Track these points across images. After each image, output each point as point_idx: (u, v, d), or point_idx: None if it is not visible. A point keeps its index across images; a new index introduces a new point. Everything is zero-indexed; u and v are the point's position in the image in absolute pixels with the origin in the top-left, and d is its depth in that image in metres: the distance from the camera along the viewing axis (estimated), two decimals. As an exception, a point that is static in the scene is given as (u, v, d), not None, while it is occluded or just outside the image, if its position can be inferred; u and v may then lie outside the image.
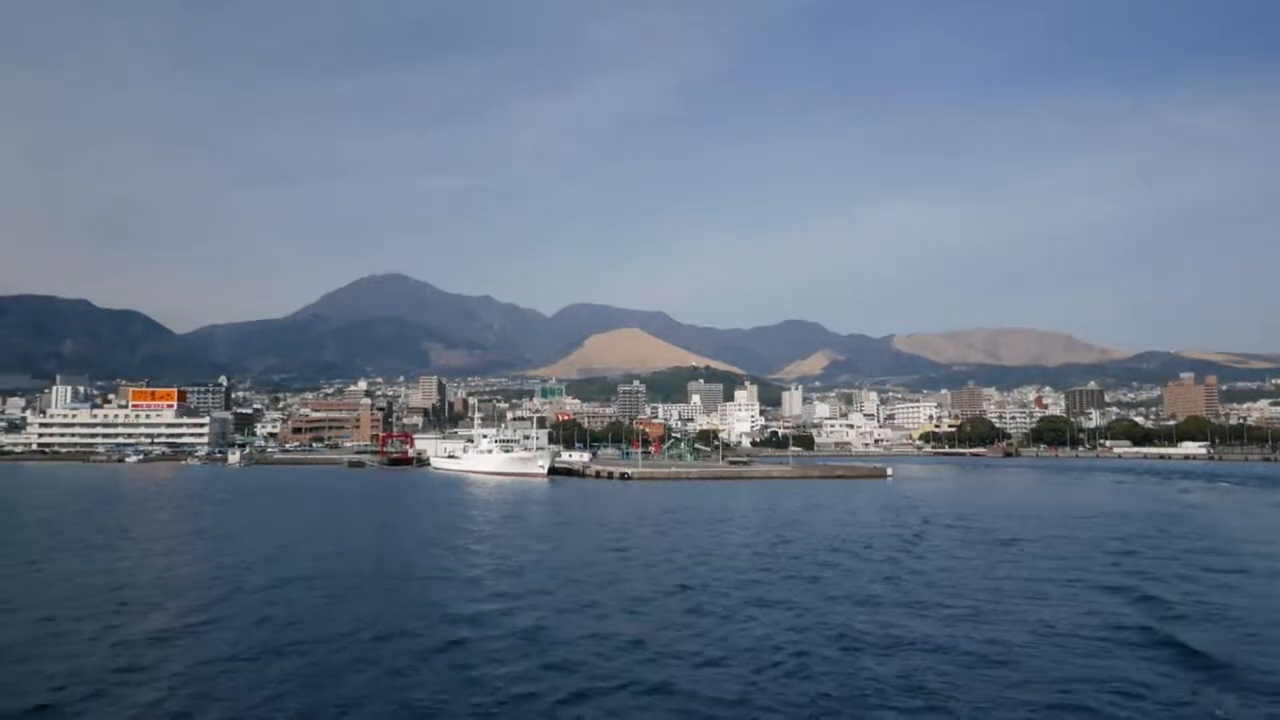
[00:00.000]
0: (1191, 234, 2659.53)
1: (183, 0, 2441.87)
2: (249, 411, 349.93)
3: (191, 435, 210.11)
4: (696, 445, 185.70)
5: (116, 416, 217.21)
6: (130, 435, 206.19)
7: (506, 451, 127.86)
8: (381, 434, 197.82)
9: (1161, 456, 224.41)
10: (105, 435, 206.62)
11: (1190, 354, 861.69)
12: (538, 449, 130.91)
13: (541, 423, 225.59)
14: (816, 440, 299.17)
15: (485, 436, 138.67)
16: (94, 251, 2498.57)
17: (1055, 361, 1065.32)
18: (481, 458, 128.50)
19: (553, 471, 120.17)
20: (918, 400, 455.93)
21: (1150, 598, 27.56)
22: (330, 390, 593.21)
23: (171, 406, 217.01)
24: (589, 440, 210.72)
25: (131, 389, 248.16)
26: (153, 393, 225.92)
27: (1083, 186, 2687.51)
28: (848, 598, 27.80)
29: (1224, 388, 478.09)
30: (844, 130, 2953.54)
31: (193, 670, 18.75)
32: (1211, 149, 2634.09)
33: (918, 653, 20.46)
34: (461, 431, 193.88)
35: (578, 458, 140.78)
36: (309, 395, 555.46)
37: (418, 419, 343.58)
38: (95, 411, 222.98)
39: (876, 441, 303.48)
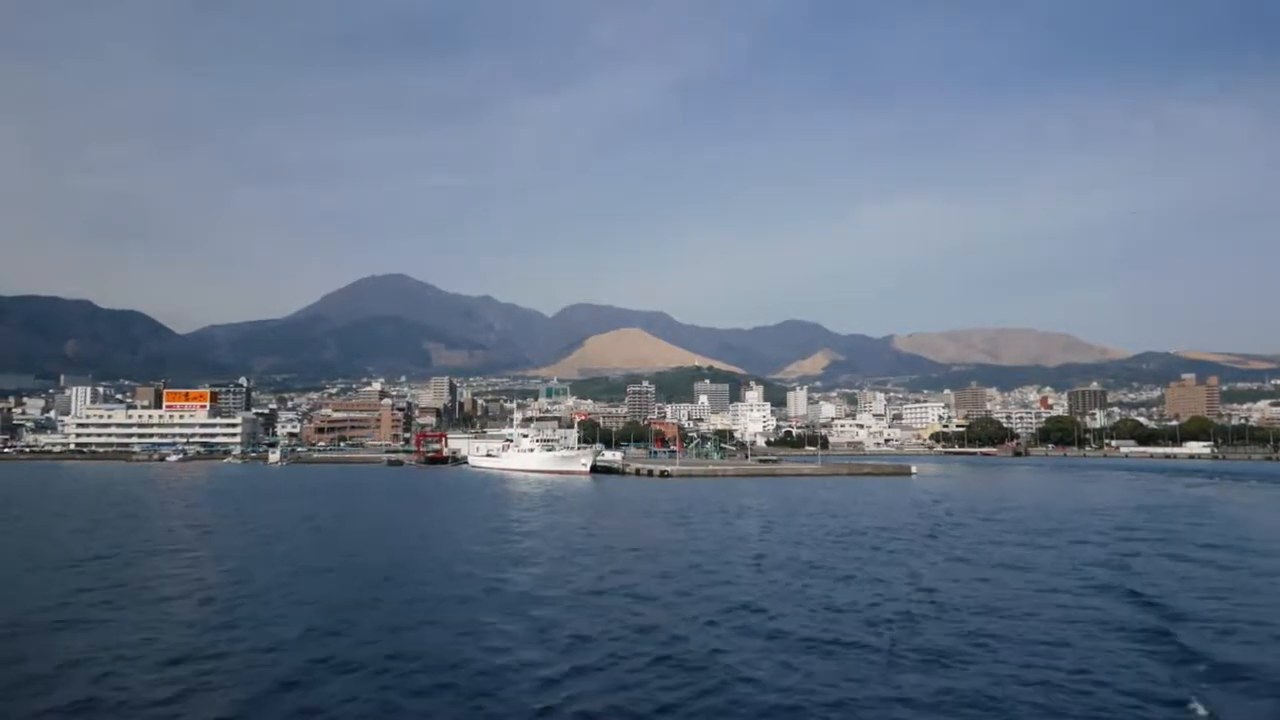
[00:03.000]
0: (1192, 233, 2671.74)
1: None
2: (265, 411, 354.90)
3: (224, 435, 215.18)
4: (722, 445, 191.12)
5: (151, 417, 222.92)
6: (164, 435, 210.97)
7: (549, 450, 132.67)
8: (417, 433, 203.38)
9: (1167, 456, 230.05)
10: (140, 435, 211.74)
11: (1190, 354, 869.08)
12: (579, 448, 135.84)
13: (560, 423, 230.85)
14: (830, 440, 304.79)
15: (526, 436, 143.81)
16: (95, 252, 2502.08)
17: (1055, 361, 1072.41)
18: (523, 456, 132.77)
19: (593, 470, 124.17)
20: (919, 400, 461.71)
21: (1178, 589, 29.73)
22: (334, 390, 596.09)
23: (204, 407, 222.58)
24: (613, 440, 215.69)
25: (166, 390, 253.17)
26: (186, 394, 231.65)
27: (1083, 185, 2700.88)
28: (936, 574, 33.09)
29: (1224, 388, 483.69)
30: (844, 129, 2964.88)
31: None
32: (1213, 147, 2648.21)
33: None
34: (492, 431, 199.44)
35: (614, 456, 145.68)
36: (313, 395, 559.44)
37: (431, 419, 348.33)
38: (130, 412, 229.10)
39: (887, 441, 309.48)
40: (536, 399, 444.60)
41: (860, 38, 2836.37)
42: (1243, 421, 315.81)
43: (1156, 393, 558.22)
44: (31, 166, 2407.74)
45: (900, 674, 18.72)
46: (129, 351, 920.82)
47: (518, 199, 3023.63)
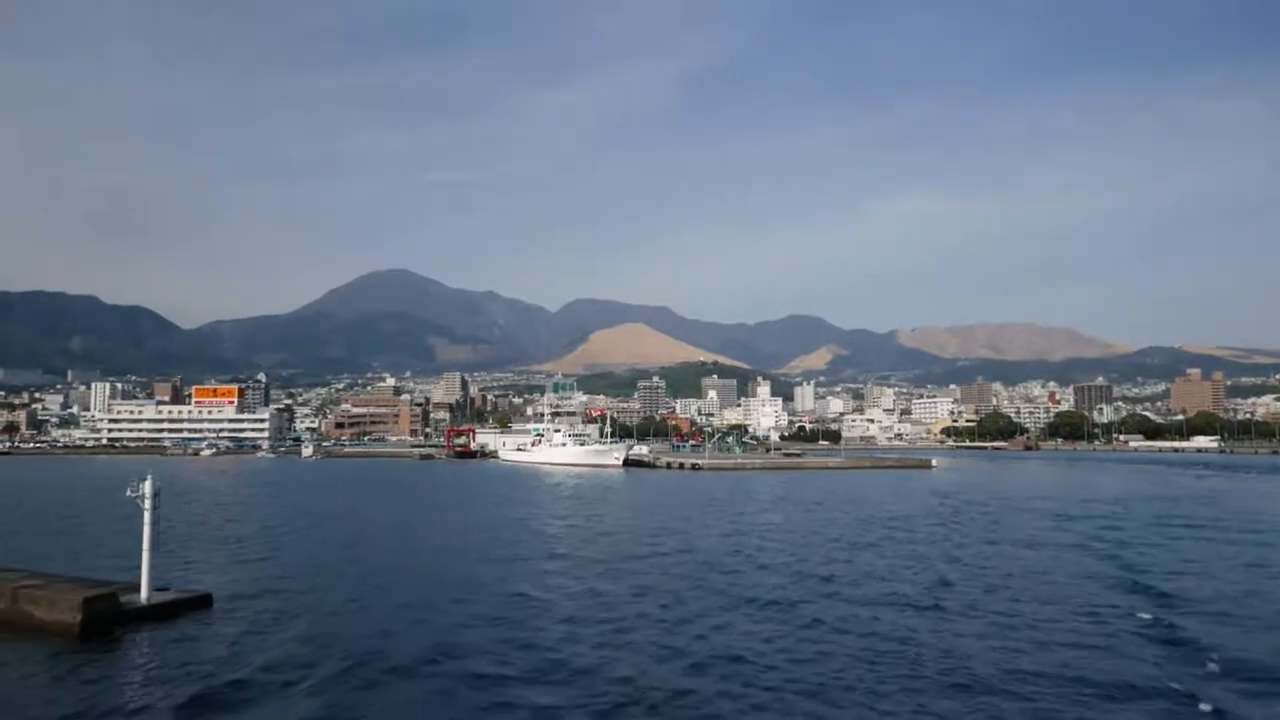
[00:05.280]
0: (1195, 228, 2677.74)
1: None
2: (280, 407, 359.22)
3: (253, 430, 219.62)
4: (743, 439, 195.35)
5: (181, 413, 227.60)
6: (194, 430, 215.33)
7: (581, 445, 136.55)
8: (447, 429, 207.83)
9: (1175, 450, 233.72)
10: (171, 430, 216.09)
11: (1193, 349, 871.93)
12: (610, 442, 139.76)
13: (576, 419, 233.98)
14: (841, 435, 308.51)
15: (558, 431, 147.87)
16: (101, 247, 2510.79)
17: (1058, 357, 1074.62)
18: (556, 450, 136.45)
19: (625, 463, 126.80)
20: (923, 395, 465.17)
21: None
22: (340, 386, 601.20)
23: (232, 403, 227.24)
24: (632, 435, 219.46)
25: (195, 387, 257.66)
26: (214, 390, 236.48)
27: (1087, 180, 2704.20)
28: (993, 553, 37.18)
29: (1228, 383, 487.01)
30: (846, 124, 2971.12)
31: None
32: (1217, 142, 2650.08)
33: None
34: (516, 426, 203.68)
35: (643, 450, 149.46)
36: (320, 391, 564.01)
37: (444, 414, 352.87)
38: (160, 408, 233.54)
39: (898, 436, 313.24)
40: (542, 394, 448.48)
41: (863, 33, 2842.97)
42: (1248, 416, 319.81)
43: (1161, 387, 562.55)
44: (36, 163, 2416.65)
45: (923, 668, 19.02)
46: (134, 347, 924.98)
47: (520, 194, 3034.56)
